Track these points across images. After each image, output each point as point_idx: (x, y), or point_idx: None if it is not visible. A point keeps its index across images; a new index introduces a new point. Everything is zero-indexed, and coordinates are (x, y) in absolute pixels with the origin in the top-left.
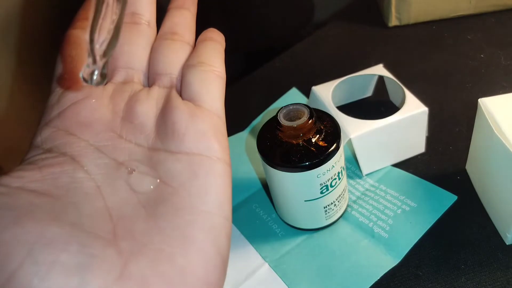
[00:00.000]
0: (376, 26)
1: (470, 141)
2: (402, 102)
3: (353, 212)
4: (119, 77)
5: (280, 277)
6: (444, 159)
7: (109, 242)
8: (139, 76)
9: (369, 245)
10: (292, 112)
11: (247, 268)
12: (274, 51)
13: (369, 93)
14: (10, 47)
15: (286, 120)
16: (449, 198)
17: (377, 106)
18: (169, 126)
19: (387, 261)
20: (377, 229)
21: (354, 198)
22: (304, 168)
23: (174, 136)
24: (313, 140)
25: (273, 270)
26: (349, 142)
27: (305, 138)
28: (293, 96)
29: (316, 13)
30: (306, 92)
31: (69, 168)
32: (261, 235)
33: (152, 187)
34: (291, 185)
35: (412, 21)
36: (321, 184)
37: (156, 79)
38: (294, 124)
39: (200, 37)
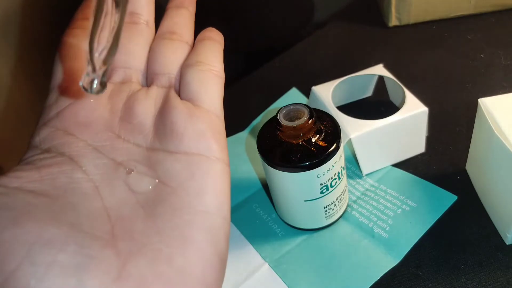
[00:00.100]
0: (376, 26)
1: (470, 141)
2: (402, 102)
3: (353, 212)
4: (117, 77)
5: (280, 277)
6: (444, 159)
7: (108, 242)
8: (137, 76)
9: (369, 245)
10: (292, 112)
11: (247, 268)
12: (274, 51)
13: (369, 93)
14: (10, 47)
15: (286, 120)
16: (449, 198)
17: (377, 106)
18: (168, 126)
19: (387, 261)
20: (377, 229)
21: (354, 198)
22: (304, 168)
23: (173, 136)
24: (313, 140)
25: (273, 270)
26: (349, 142)
27: (305, 138)
28: (293, 96)
29: (316, 13)
30: (306, 92)
31: (67, 168)
32: (261, 235)
33: (150, 187)
34: (291, 185)
35: (412, 21)
36: (321, 184)
37: (154, 79)
38: (294, 124)
39: (199, 36)
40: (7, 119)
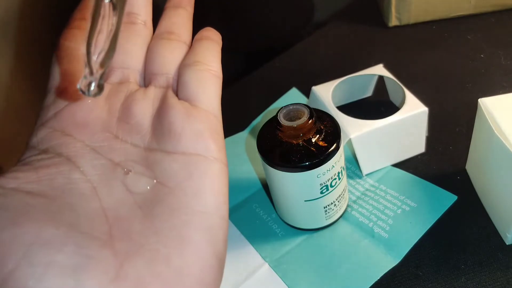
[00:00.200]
0: (376, 26)
1: (470, 141)
2: (402, 102)
3: (353, 212)
4: (115, 77)
5: (280, 277)
6: (444, 159)
7: (105, 243)
8: (135, 76)
9: (369, 245)
10: (292, 112)
11: (247, 268)
12: (274, 51)
13: (369, 93)
14: (9, 46)
15: (286, 120)
16: (449, 198)
17: (377, 106)
18: (165, 126)
19: (387, 261)
20: (377, 229)
21: (354, 198)
22: (304, 168)
23: (170, 136)
24: (313, 140)
25: (273, 270)
26: (349, 142)
27: (305, 138)
28: (293, 96)
29: (316, 13)
30: (306, 92)
31: (65, 169)
32: (261, 235)
33: (148, 187)
34: (291, 185)
35: (412, 21)
36: (321, 184)
37: (152, 79)
38: (294, 124)
39: (197, 36)
40: (6, 119)
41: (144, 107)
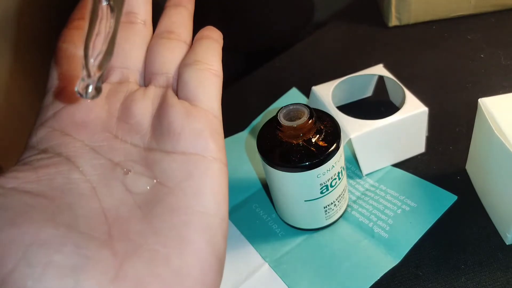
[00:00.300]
0: (376, 26)
1: (470, 141)
2: (402, 102)
3: (353, 212)
4: (114, 77)
5: (280, 277)
6: (444, 159)
7: (104, 243)
8: (135, 76)
9: (369, 245)
10: (292, 112)
11: (247, 268)
12: (274, 51)
13: (369, 93)
14: (9, 46)
15: (286, 120)
16: (449, 198)
17: (377, 106)
18: (165, 126)
19: (387, 261)
20: (377, 229)
21: (354, 198)
22: (304, 168)
23: (170, 136)
24: (313, 140)
25: (273, 270)
26: (349, 142)
27: (305, 138)
28: (293, 96)
29: (316, 13)
30: (306, 92)
31: (64, 169)
32: (261, 235)
33: (148, 187)
34: (291, 185)
35: (412, 21)
36: (321, 184)
37: (152, 78)
38: (294, 124)
39: (197, 35)
40: (6, 119)
41: (144, 107)
